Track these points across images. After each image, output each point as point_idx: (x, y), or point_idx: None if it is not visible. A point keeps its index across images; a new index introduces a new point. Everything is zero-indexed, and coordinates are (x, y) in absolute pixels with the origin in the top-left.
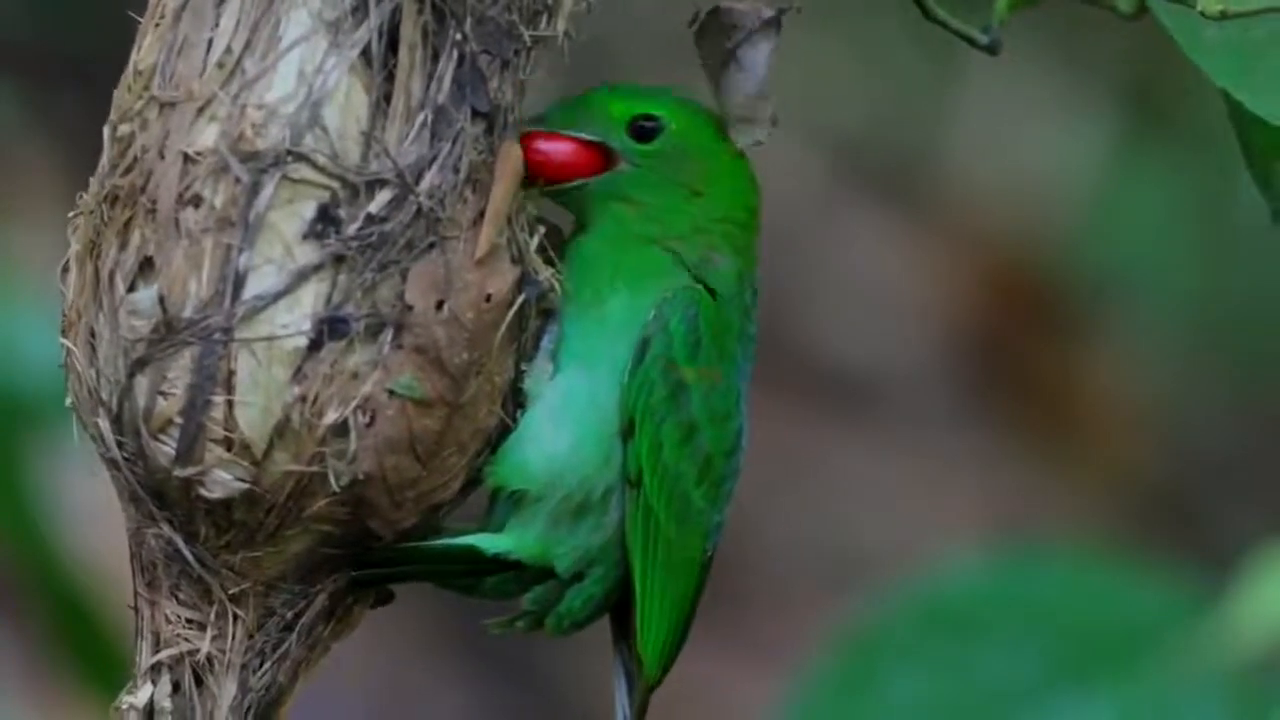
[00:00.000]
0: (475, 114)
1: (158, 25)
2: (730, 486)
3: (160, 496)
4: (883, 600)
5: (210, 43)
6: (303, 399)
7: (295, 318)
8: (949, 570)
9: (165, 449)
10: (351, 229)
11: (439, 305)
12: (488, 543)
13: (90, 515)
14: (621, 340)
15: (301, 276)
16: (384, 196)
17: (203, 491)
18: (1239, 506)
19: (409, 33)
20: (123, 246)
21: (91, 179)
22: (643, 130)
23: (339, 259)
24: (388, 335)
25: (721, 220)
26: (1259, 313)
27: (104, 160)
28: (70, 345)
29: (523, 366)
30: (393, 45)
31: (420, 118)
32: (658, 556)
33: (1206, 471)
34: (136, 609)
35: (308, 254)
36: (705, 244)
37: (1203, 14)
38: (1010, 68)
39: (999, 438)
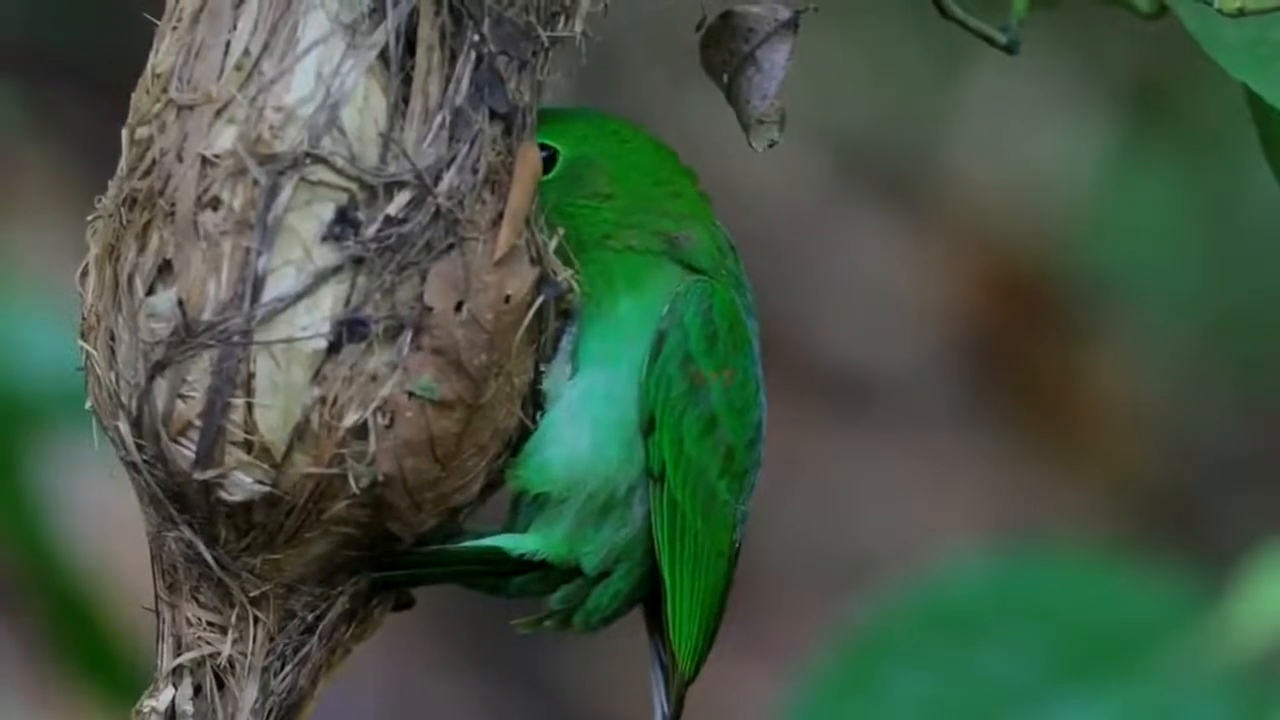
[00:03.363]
0: (493, 115)
1: (175, 28)
2: (753, 478)
3: (180, 499)
4: (883, 600)
5: (228, 45)
6: (322, 401)
7: (314, 320)
8: (949, 570)
9: (185, 452)
10: (370, 231)
11: (458, 307)
12: (513, 544)
13: (93, 514)
14: (638, 338)
15: (320, 278)
16: (402, 198)
17: (223, 494)
18: (1239, 506)
19: (426, 34)
20: (141, 249)
21: (110, 182)
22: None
23: (358, 261)
24: (407, 337)
25: (645, 207)
26: (1260, 313)
27: (122, 163)
28: (90, 348)
29: (542, 368)
30: (410, 47)
31: (438, 119)
32: (685, 550)
33: (1206, 471)
34: (157, 612)
35: (326, 256)
36: (651, 230)
37: (1220, 11)
38: (1012, 67)
39: (999, 438)
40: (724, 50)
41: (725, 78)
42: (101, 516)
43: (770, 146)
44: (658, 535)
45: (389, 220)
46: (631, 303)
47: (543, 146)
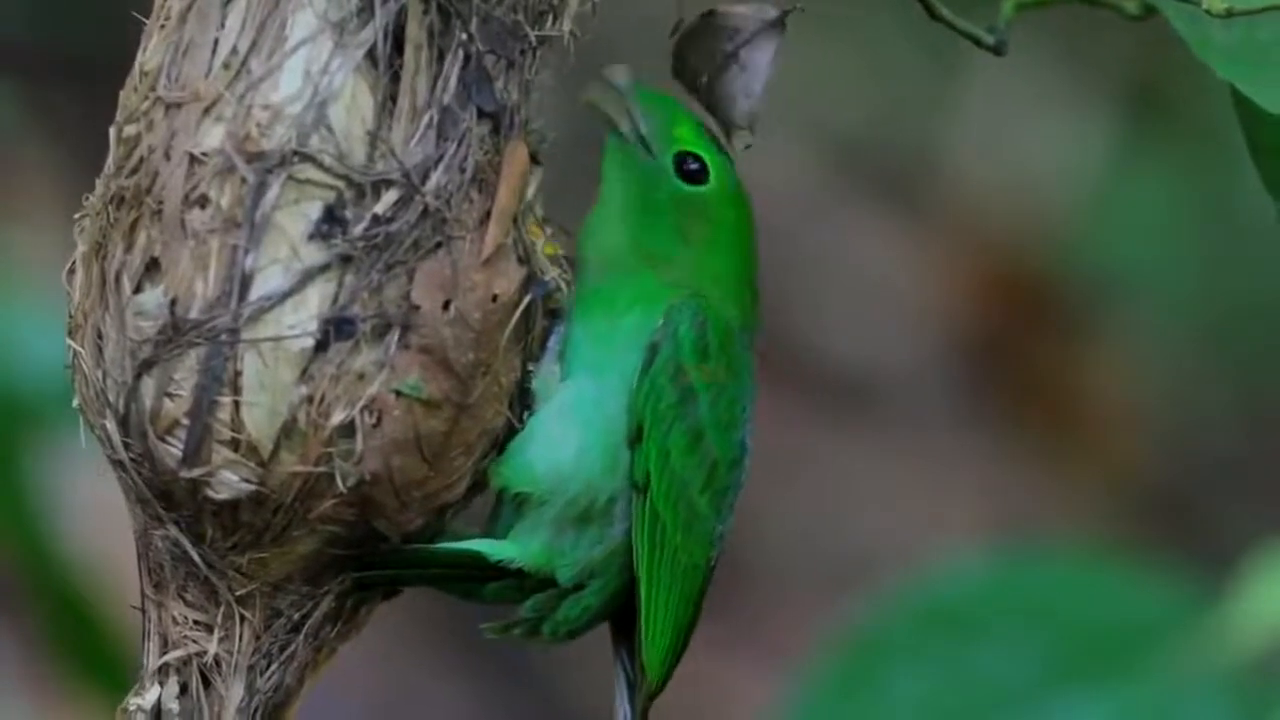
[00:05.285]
0: (481, 114)
1: (163, 26)
2: (733, 498)
3: (167, 498)
4: (883, 600)
5: (216, 43)
6: (309, 400)
7: (302, 318)
8: (949, 570)
9: (172, 450)
10: (358, 229)
11: (445, 305)
12: (492, 549)
13: (92, 514)
14: (631, 349)
15: (308, 277)
16: (390, 197)
17: (210, 493)
18: (1239, 506)
19: (414, 33)
20: (129, 247)
21: (98, 180)
22: (688, 171)
23: (345, 259)
24: (394, 336)
25: (701, 271)
26: (1259, 313)
27: (110, 161)
28: (77, 346)
29: (529, 367)
30: (398, 46)
31: (426, 118)
32: (663, 562)
33: (1206, 471)
34: (144, 610)
35: (314, 254)
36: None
37: (1208, 13)
38: (1011, 66)
39: (999, 438)
40: (704, 51)
41: (704, 79)
42: (100, 516)
43: (745, 149)
44: (637, 546)
45: (376, 219)
46: (633, 318)
47: (696, 157)
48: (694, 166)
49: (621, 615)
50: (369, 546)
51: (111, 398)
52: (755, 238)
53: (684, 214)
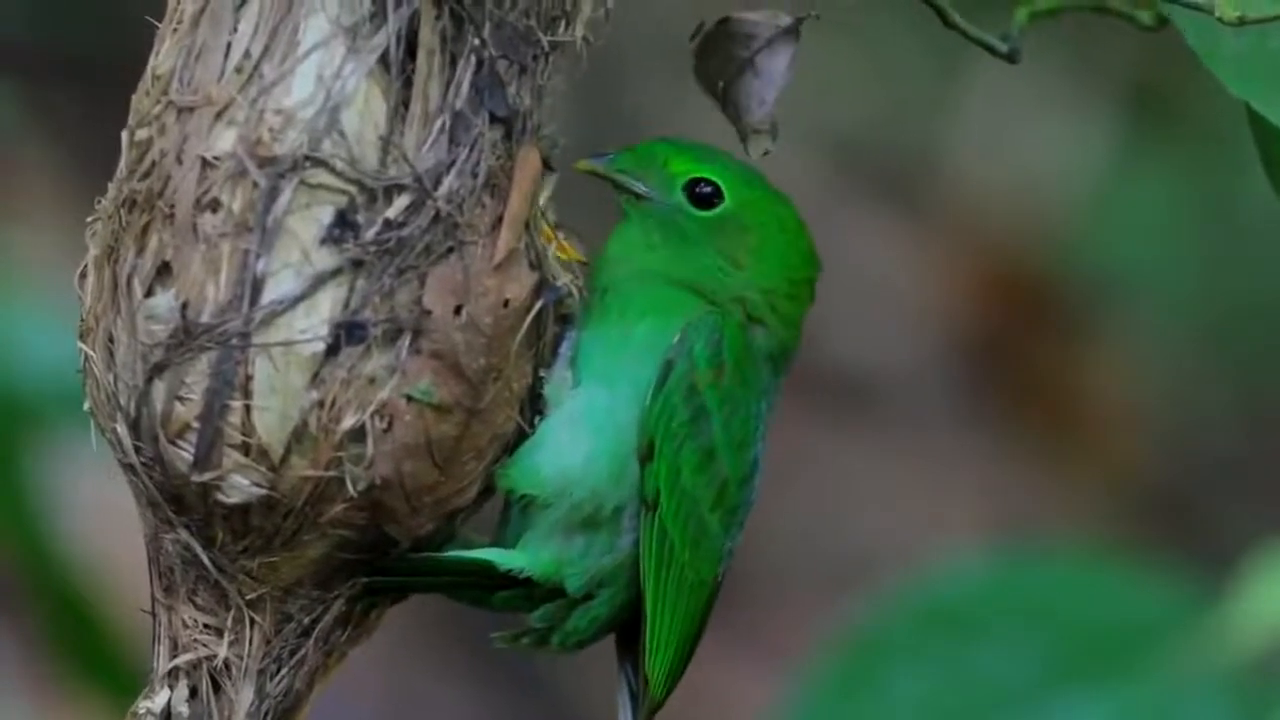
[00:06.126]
0: (493, 119)
1: (175, 30)
2: (743, 516)
3: (178, 501)
4: (883, 600)
5: (228, 47)
6: (320, 404)
7: (313, 323)
8: (949, 570)
9: (183, 454)
10: (369, 234)
11: (457, 310)
12: (502, 558)
13: (93, 514)
14: (645, 361)
15: (319, 281)
16: (402, 201)
17: (220, 496)
18: (1239, 506)
19: (427, 38)
20: (140, 251)
21: (109, 184)
22: (700, 196)
23: (357, 264)
24: (405, 340)
25: (762, 290)
26: (1259, 313)
27: (122, 165)
28: (88, 350)
29: (541, 373)
30: (411, 51)
31: (438, 123)
32: (670, 578)
33: (1206, 471)
34: (154, 614)
35: (325, 259)
36: (744, 310)
37: (1220, 20)
38: (1012, 68)
39: (999, 438)
40: (721, 57)
41: (721, 85)
42: (101, 516)
43: (764, 155)
44: (645, 562)
45: (388, 223)
46: (647, 326)
47: (704, 180)
48: (706, 189)
49: (628, 627)
50: (379, 551)
51: (123, 401)
52: (803, 232)
53: (720, 238)
